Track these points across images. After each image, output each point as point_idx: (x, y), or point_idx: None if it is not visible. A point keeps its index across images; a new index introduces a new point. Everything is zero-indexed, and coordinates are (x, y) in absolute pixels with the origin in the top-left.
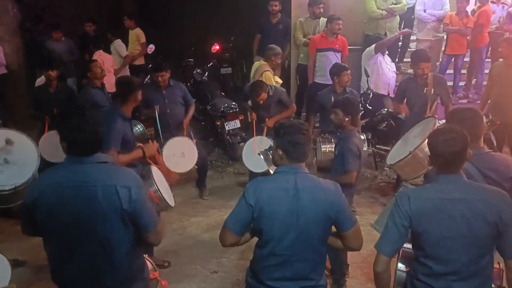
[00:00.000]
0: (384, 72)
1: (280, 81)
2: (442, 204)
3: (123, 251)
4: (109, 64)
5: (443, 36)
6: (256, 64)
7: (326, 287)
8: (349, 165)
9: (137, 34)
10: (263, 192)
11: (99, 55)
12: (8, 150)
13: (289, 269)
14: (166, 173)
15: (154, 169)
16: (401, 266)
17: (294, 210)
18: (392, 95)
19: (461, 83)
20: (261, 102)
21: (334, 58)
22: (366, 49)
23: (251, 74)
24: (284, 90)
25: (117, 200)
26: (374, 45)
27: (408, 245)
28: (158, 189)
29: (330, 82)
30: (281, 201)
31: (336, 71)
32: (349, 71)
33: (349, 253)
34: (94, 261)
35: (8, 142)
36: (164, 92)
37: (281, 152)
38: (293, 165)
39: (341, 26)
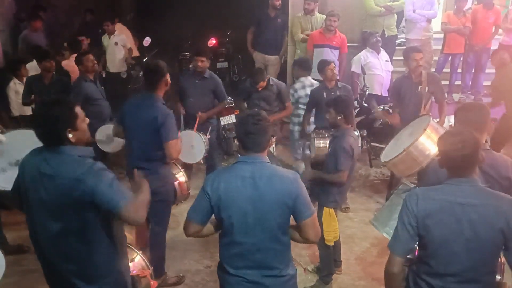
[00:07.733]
0: (376, 72)
1: None
2: (450, 207)
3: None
4: None
5: (432, 35)
6: None
7: (295, 276)
8: (341, 164)
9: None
10: (220, 182)
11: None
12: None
13: (251, 258)
14: None
15: None
16: None
17: (251, 197)
18: (385, 94)
19: (457, 82)
20: (260, 89)
21: (330, 54)
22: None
23: None
24: (285, 84)
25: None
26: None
27: None
28: None
29: None
30: (238, 189)
31: (320, 67)
32: (332, 65)
33: (342, 250)
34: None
35: None
36: (197, 81)
37: (238, 143)
38: (249, 155)
39: (334, 22)
